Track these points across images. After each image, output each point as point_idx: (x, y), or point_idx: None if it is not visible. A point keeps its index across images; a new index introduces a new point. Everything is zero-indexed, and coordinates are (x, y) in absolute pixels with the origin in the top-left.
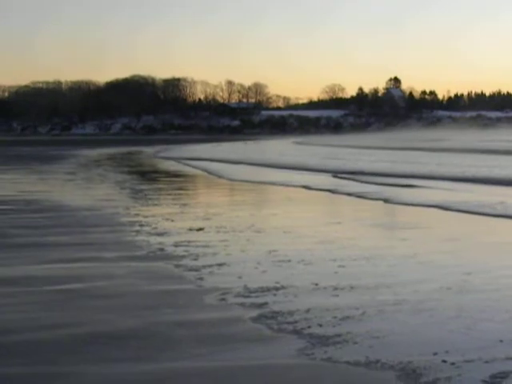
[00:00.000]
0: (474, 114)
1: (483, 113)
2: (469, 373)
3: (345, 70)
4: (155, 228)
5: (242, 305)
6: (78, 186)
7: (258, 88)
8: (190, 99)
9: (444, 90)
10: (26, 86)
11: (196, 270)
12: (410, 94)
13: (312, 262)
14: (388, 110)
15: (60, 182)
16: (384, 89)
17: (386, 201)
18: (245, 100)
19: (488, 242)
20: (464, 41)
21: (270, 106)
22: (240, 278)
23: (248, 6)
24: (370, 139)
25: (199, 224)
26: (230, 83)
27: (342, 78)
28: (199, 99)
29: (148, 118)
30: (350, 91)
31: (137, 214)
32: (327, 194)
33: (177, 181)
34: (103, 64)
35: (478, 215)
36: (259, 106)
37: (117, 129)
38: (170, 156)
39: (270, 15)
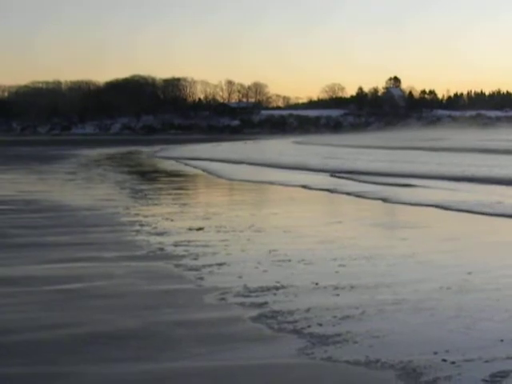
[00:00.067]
0: (473, 113)
1: (483, 112)
2: (469, 372)
3: (344, 70)
4: (155, 228)
5: (242, 304)
6: (78, 186)
7: (257, 88)
8: (189, 99)
9: (444, 89)
10: (25, 86)
11: (196, 269)
12: (410, 93)
13: (312, 262)
14: (388, 109)
15: (60, 181)
16: (384, 88)
17: (385, 200)
18: (245, 100)
19: (488, 241)
20: (464, 41)
21: (270, 105)
22: (240, 277)
23: (248, 6)
24: (370, 139)
25: (199, 224)
26: (229, 83)
27: (341, 78)
28: (199, 99)
29: (148, 117)
30: (350, 91)
31: (137, 214)
32: (326, 193)
33: (177, 180)
34: (103, 64)
35: (477, 214)
36: (259, 105)
37: (117, 129)
38: (169, 156)
39: (269, 15)
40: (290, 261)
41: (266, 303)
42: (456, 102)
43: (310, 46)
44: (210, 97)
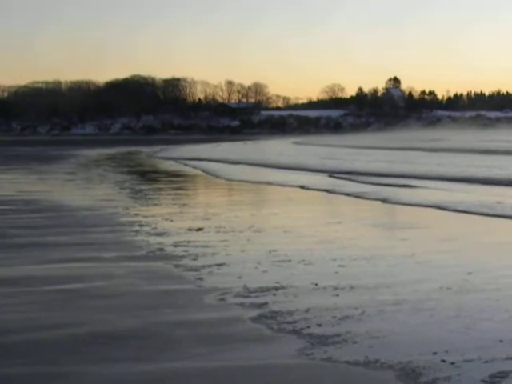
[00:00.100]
0: (473, 113)
1: (482, 113)
2: (468, 372)
3: (344, 70)
4: (155, 228)
5: (242, 305)
6: (78, 186)
7: (257, 88)
8: (189, 99)
9: (443, 89)
10: (25, 86)
11: (195, 270)
12: (410, 93)
13: (312, 262)
14: (387, 109)
15: (59, 182)
16: (383, 89)
17: (384, 201)
18: (244, 100)
19: (487, 241)
20: (464, 41)
21: (270, 106)
22: (240, 278)
23: (248, 6)
24: (370, 139)
25: (199, 224)
26: (229, 83)
27: (341, 78)
28: (199, 99)
29: (148, 118)
30: (350, 91)
31: (136, 214)
32: (325, 194)
33: (176, 181)
34: (103, 64)
35: (477, 215)
36: (259, 106)
37: (116, 129)
38: (169, 156)
39: (269, 15)
40: (289, 261)
41: (265, 304)
42: (456, 103)
43: (310, 46)
44: (210, 97)
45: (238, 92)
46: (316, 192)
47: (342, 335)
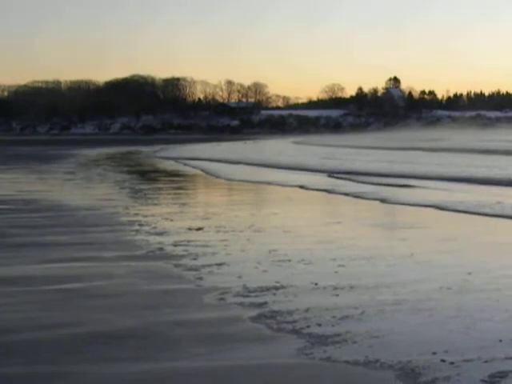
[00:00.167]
0: (473, 113)
1: (482, 112)
2: (468, 372)
3: (344, 70)
4: (154, 227)
5: (242, 304)
6: (78, 186)
7: (257, 88)
8: (189, 99)
9: (443, 89)
10: (25, 86)
11: (195, 269)
12: (410, 93)
13: (312, 262)
14: (387, 109)
15: (59, 181)
16: (383, 88)
17: (383, 201)
18: (244, 100)
19: (487, 241)
20: (464, 41)
21: (270, 105)
22: (239, 277)
23: (248, 6)
24: (369, 139)
25: (198, 223)
26: (229, 83)
27: (341, 78)
28: (199, 99)
29: (147, 117)
30: (350, 91)
31: (136, 214)
32: (325, 194)
33: (176, 180)
34: (103, 64)
35: (476, 215)
36: (259, 105)
37: (116, 128)
38: (169, 156)
39: (269, 15)
40: (289, 261)
41: (265, 303)
42: (455, 103)
43: (310, 46)
44: (210, 97)
45: (238, 92)
46: (315, 192)
47: (342, 335)
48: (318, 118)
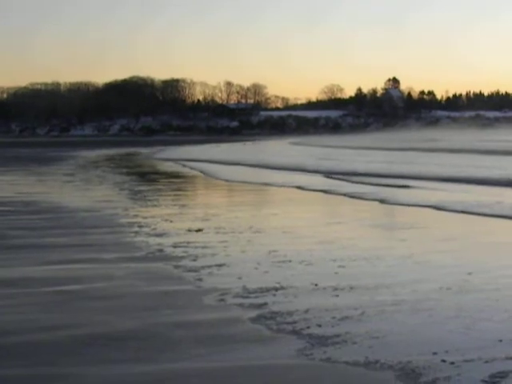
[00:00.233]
0: (472, 113)
1: (482, 113)
2: (468, 372)
3: (343, 71)
4: (154, 229)
5: (241, 305)
6: (77, 188)
7: (256, 89)
8: (188, 100)
9: (442, 90)
10: (24, 88)
11: (195, 270)
12: (409, 94)
13: (312, 263)
14: (387, 110)
15: (58, 183)
16: (383, 89)
17: (382, 201)
18: (243, 101)
19: (487, 241)
20: (463, 41)
21: (269, 106)
22: (239, 278)
23: (247, 7)
24: (369, 139)
25: (198, 225)
26: (228, 84)
27: (340, 79)
28: (198, 100)
29: (147, 119)
30: (349, 91)
31: (136, 215)
32: (324, 195)
33: (175, 182)
34: (102, 65)
35: (476, 215)
36: (258, 106)
37: (115, 130)
38: (168, 157)
39: (268, 16)
40: (289, 262)
41: (265, 304)
42: (455, 103)
43: (309, 47)
44: (209, 98)
45: (237, 93)
46: (315, 193)
47: (342, 336)
48: (317, 119)
